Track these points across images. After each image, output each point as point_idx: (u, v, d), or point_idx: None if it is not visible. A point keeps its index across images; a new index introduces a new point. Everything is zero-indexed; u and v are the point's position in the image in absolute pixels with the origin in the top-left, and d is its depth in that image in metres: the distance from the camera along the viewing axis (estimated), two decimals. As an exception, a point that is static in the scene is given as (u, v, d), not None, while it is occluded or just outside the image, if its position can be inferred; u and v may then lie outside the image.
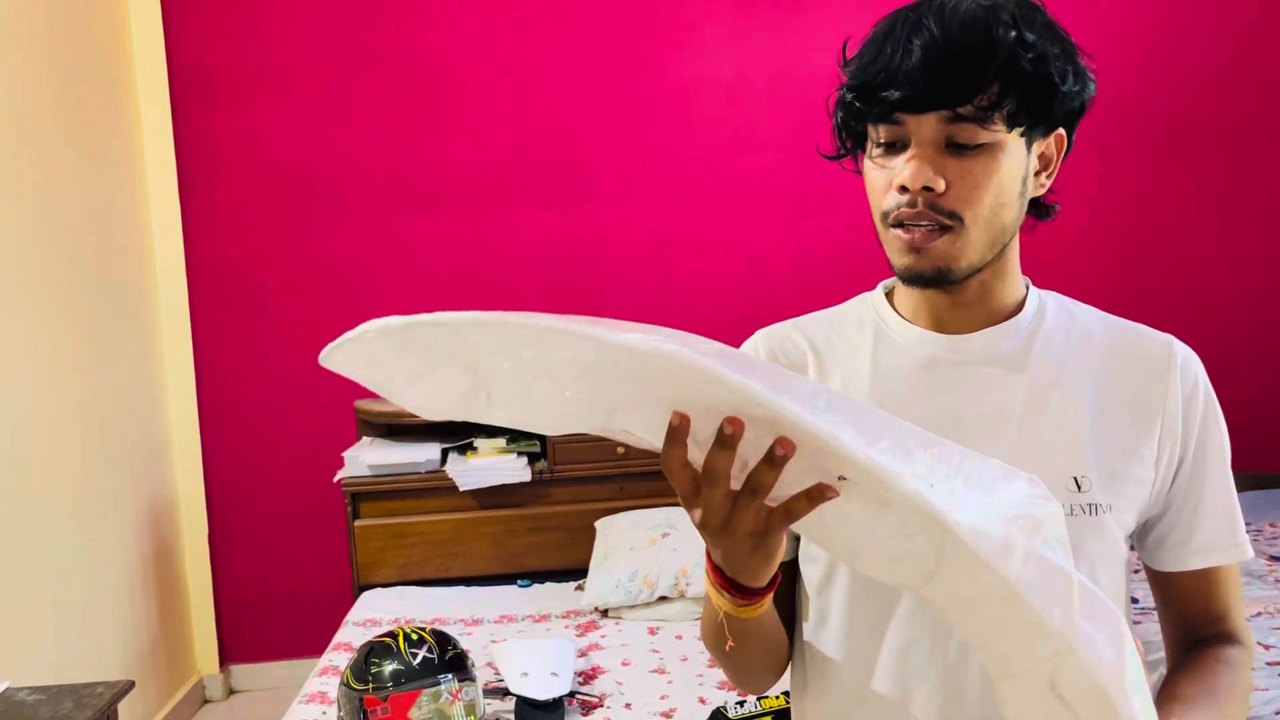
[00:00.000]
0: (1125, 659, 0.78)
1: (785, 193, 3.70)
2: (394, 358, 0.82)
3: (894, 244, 0.98)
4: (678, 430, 0.78)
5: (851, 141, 1.04)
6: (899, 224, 0.97)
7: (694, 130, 3.67)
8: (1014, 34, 0.93)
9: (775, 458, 0.76)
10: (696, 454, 0.80)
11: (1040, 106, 0.96)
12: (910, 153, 0.95)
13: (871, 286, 1.15)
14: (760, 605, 0.93)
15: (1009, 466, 0.80)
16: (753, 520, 0.81)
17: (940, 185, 0.94)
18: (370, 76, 3.57)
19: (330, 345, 0.82)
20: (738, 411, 0.76)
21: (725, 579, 0.90)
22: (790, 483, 0.78)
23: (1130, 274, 3.80)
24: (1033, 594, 0.75)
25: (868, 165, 1.01)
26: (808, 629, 1.10)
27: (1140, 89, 3.74)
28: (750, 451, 0.77)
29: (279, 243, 3.61)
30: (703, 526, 0.83)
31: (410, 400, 0.86)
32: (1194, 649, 1.07)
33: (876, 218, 1.00)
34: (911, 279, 0.99)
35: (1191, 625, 1.09)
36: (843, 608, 1.06)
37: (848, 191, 3.56)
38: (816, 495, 0.77)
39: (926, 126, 0.94)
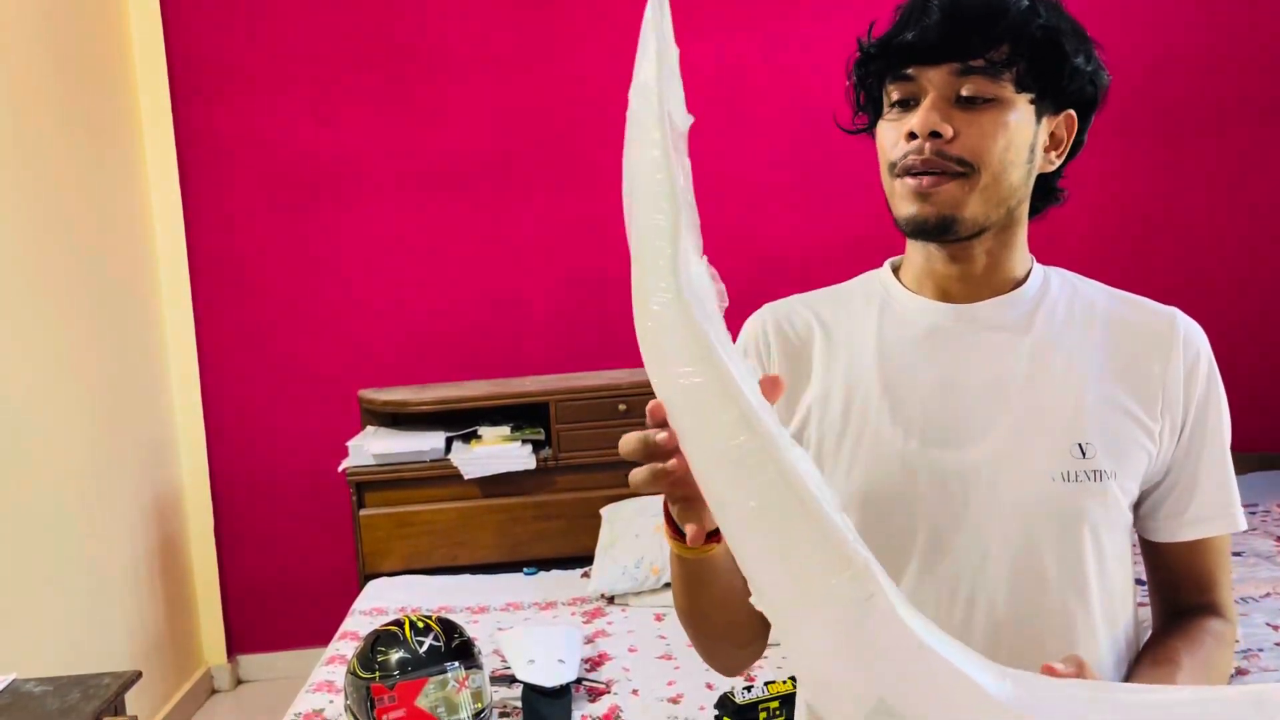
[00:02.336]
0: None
1: (787, 181, 3.68)
2: None
3: (900, 192, 1.00)
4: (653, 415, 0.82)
5: (868, 110, 1.06)
6: (906, 172, 0.98)
7: (696, 118, 3.65)
8: (1026, 2, 0.97)
9: (650, 429, 0.82)
10: None
11: (1049, 74, 0.98)
12: (923, 105, 0.98)
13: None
14: (706, 549, 0.94)
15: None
16: (670, 489, 0.85)
17: (948, 131, 0.96)
18: (370, 68, 3.56)
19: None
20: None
21: (673, 522, 0.93)
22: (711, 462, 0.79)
23: (1137, 256, 3.78)
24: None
25: (881, 126, 1.03)
26: None
27: (1146, 71, 3.71)
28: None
29: (281, 234, 3.60)
30: (632, 485, 0.87)
31: None
32: (1182, 617, 1.08)
33: (884, 171, 1.02)
34: (916, 228, 1.00)
35: (1180, 593, 1.10)
36: None
37: (850, 180, 3.56)
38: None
39: (937, 78, 0.97)
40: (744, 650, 1.11)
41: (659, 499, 0.93)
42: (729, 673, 1.16)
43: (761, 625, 1.10)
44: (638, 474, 0.84)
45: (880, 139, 1.03)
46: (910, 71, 0.98)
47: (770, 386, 0.81)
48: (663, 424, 0.81)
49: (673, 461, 0.81)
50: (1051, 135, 1.02)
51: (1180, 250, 3.81)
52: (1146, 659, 1.02)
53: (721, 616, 1.05)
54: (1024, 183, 1.01)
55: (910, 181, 0.98)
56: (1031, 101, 0.98)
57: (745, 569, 0.78)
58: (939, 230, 0.99)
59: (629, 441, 0.83)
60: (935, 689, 0.71)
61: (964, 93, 0.96)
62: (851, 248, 3.46)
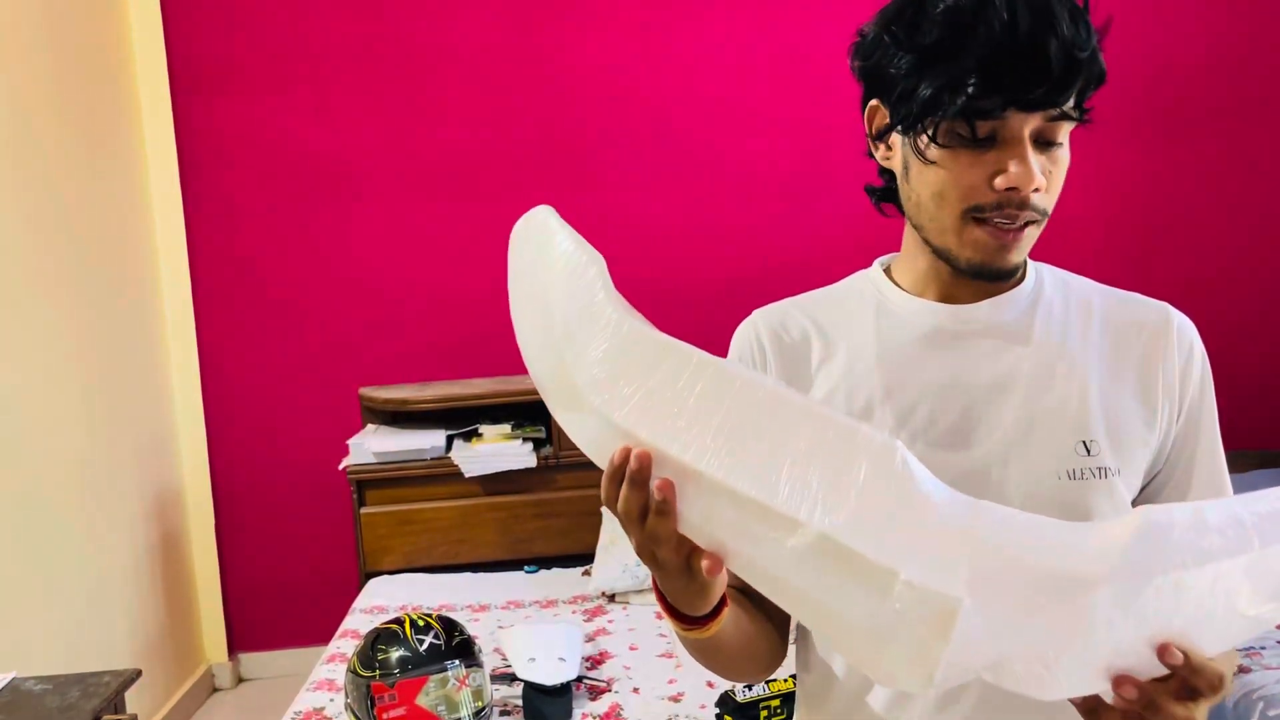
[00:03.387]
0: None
1: (788, 176, 3.68)
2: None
3: (977, 239, 0.96)
4: (618, 467, 0.82)
5: (909, 122, 0.96)
6: (988, 222, 0.94)
7: (696, 114, 3.65)
8: (1084, 26, 0.92)
9: (658, 504, 0.80)
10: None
11: (1089, 100, 0.96)
12: (1015, 150, 0.92)
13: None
14: (706, 630, 0.94)
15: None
16: (673, 560, 0.84)
17: (1045, 184, 0.94)
18: (370, 64, 3.56)
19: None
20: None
21: (668, 604, 0.93)
22: (713, 523, 0.80)
23: (1133, 253, 3.77)
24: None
25: (938, 154, 0.94)
26: None
27: (1143, 68, 3.71)
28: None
29: (281, 232, 3.60)
30: (639, 555, 0.86)
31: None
32: None
33: (949, 210, 0.96)
34: (983, 274, 0.98)
35: None
36: None
37: (850, 174, 3.55)
38: (714, 567, 0.82)
39: (1032, 123, 0.92)
40: (769, 668, 1.12)
41: None
42: (754, 683, 1.17)
43: (783, 640, 1.11)
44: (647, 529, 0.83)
45: (942, 170, 0.95)
46: (1005, 112, 0.91)
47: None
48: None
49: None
50: None
51: (1181, 249, 3.80)
52: None
53: (743, 660, 1.06)
54: None
55: (995, 233, 0.94)
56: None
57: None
58: (1006, 276, 0.99)
59: (626, 501, 0.83)
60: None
61: (1045, 136, 0.93)
62: (852, 246, 3.46)
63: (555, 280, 0.92)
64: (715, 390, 0.81)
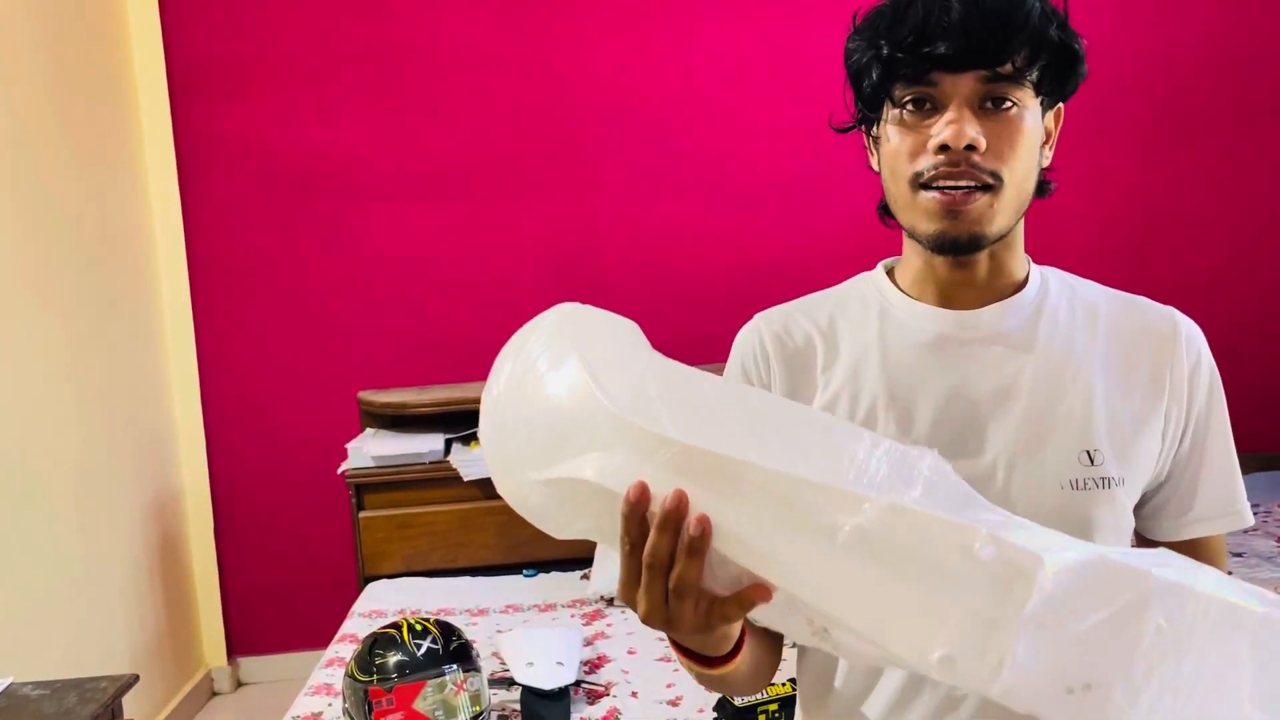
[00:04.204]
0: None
1: (786, 180, 3.68)
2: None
3: (927, 207, 0.96)
4: (637, 505, 0.75)
5: (870, 108, 1.01)
6: (933, 186, 0.95)
7: (694, 117, 3.65)
8: (1039, 3, 0.94)
9: (692, 542, 0.73)
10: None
11: (1061, 75, 0.97)
12: (950, 113, 0.94)
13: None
14: (729, 665, 0.91)
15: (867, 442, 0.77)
16: (691, 618, 0.78)
17: (983, 143, 0.93)
18: (370, 68, 3.56)
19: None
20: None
21: (684, 650, 0.90)
22: (759, 524, 0.74)
23: (1132, 255, 3.77)
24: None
25: (889, 131, 0.98)
26: None
27: (1140, 69, 3.70)
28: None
29: (280, 235, 3.60)
30: (646, 621, 0.79)
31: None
32: None
33: (901, 183, 0.98)
34: (944, 245, 0.97)
35: None
36: None
37: (849, 177, 3.55)
38: (747, 600, 0.76)
39: (964, 85, 0.93)
40: (770, 679, 1.12)
41: None
42: (750, 695, 1.17)
43: (780, 648, 1.10)
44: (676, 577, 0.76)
45: (891, 146, 0.98)
46: (933, 77, 0.94)
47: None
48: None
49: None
50: (1045, 129, 1.01)
51: (1182, 250, 3.80)
52: None
53: (752, 681, 1.06)
54: (1034, 186, 1.01)
55: (941, 197, 0.94)
56: (1041, 103, 0.98)
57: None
58: (967, 247, 0.97)
59: (655, 547, 0.76)
60: None
61: (990, 100, 0.94)
62: (852, 249, 3.46)
63: (594, 324, 0.88)
64: (762, 406, 0.80)
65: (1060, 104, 1.02)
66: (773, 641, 1.08)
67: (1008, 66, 0.93)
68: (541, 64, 3.60)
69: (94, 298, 3.10)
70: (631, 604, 0.79)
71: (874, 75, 0.97)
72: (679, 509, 0.73)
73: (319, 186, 3.59)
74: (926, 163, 0.95)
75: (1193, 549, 1.06)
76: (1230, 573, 0.94)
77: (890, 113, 0.98)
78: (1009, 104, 0.94)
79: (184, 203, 3.55)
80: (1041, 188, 1.04)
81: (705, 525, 0.73)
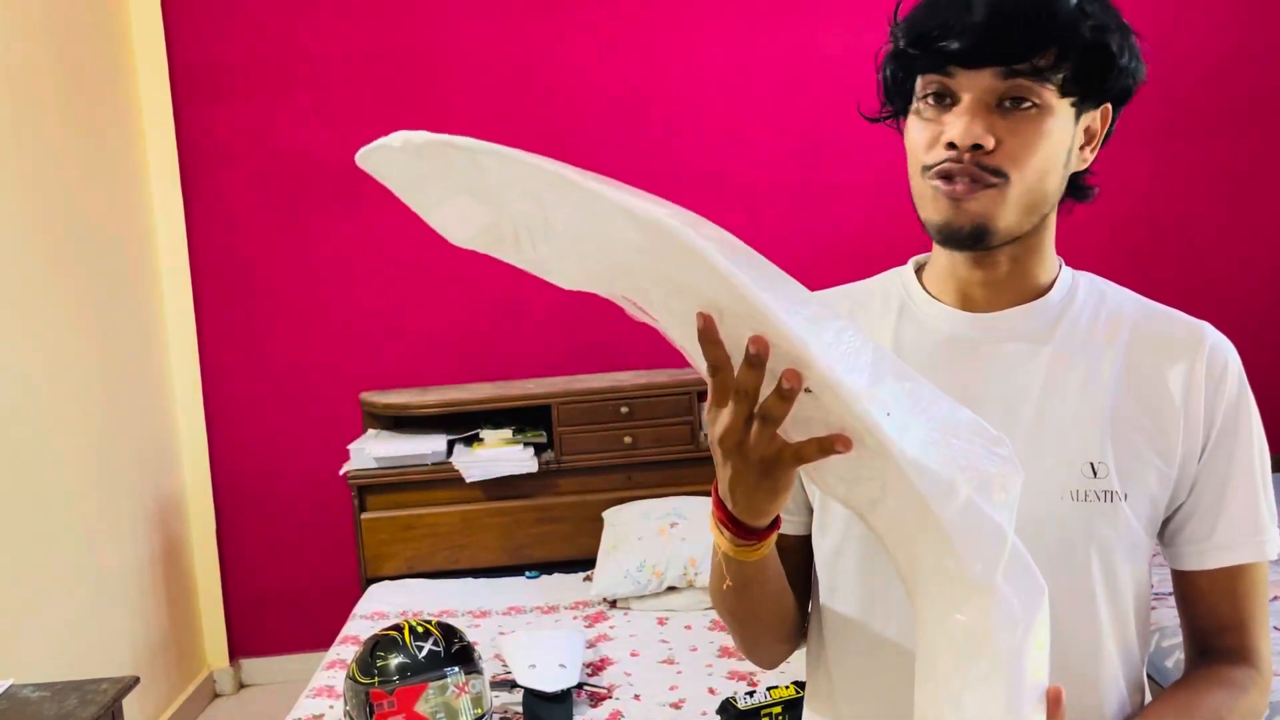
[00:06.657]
0: (1033, 632, 0.78)
1: (790, 182, 3.66)
2: (420, 175, 0.89)
3: (932, 196, 0.95)
4: (706, 331, 0.77)
5: (898, 100, 1.02)
6: (939, 176, 0.94)
7: (697, 120, 3.64)
8: (1075, 1, 0.92)
9: (784, 391, 0.75)
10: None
11: (1094, 78, 0.94)
12: (961, 109, 0.93)
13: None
14: (759, 548, 0.91)
15: (981, 421, 0.78)
16: (765, 447, 0.79)
17: (990, 143, 0.92)
18: (372, 70, 3.55)
19: (365, 147, 0.91)
20: (731, 308, 0.76)
21: (727, 515, 0.88)
22: (808, 421, 0.78)
23: (1148, 258, 3.76)
24: (961, 542, 0.75)
25: (910, 122, 0.99)
26: (822, 597, 1.09)
27: (1151, 68, 3.68)
28: (780, 364, 0.76)
29: (282, 237, 3.60)
30: (720, 441, 0.81)
31: (437, 222, 0.96)
32: (1201, 663, 1.03)
33: (915, 172, 0.98)
34: (947, 236, 0.96)
35: (1204, 632, 1.04)
36: (854, 573, 1.05)
37: (854, 180, 3.55)
38: (827, 446, 0.76)
39: (980, 82, 0.93)
40: (787, 644, 1.11)
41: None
42: (769, 666, 1.15)
43: (803, 617, 1.10)
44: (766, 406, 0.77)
45: (911, 136, 0.98)
46: (951, 71, 0.93)
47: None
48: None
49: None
50: (1086, 130, 0.98)
51: (1187, 249, 3.79)
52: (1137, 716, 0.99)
53: (771, 613, 1.05)
54: (1058, 188, 0.98)
55: (944, 186, 0.94)
56: (1073, 104, 0.95)
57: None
58: (971, 240, 0.95)
59: (744, 375, 0.77)
60: None
61: (1007, 97, 0.92)
62: (855, 247, 3.45)
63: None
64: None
65: (1107, 105, 0.99)
66: (794, 596, 1.08)
67: (1025, 65, 0.91)
68: (543, 68, 3.59)
69: (97, 300, 3.10)
70: (712, 423, 0.82)
71: (897, 67, 0.99)
72: (760, 355, 0.75)
73: (321, 187, 3.58)
74: (936, 156, 0.95)
75: (1217, 582, 1.02)
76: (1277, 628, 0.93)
77: (914, 105, 0.98)
78: (1029, 104, 0.92)
79: (186, 204, 3.55)
80: (1079, 191, 1.02)
81: (795, 380, 0.74)
